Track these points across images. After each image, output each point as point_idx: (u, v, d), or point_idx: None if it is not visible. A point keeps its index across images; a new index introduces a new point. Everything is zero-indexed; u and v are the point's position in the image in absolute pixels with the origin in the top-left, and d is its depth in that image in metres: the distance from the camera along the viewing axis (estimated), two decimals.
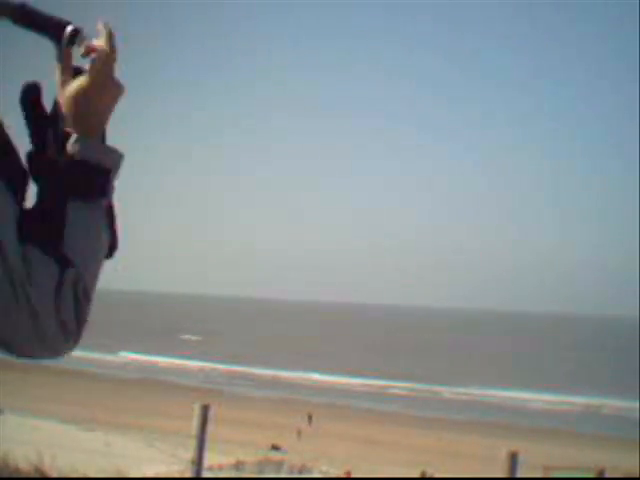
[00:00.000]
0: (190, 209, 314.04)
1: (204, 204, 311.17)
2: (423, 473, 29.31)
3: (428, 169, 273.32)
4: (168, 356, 77.27)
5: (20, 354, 1.30)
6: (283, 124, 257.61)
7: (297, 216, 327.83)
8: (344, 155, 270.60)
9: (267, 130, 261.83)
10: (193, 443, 7.83)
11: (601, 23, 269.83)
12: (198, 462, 7.89)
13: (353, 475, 27.65)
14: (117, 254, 1.41)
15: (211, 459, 20.99)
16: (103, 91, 1.34)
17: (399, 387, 64.83)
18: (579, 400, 59.44)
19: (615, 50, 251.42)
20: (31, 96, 1.34)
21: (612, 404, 57.71)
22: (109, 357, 73.54)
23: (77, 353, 1.46)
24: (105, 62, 1.34)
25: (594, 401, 59.06)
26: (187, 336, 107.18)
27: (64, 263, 1.27)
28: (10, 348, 1.28)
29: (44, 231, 1.28)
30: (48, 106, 1.36)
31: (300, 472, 29.30)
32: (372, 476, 27.46)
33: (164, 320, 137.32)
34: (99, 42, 1.35)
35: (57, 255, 1.27)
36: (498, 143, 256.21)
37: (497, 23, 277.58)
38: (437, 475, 29.13)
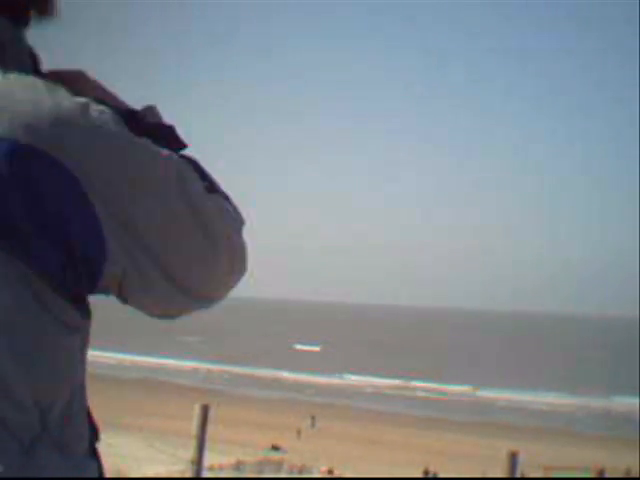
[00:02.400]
0: None
1: None
2: (426, 471, 29.40)
3: (428, 169, 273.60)
4: (161, 357, 77.23)
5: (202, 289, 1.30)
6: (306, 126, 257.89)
7: (292, 215, 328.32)
8: (345, 151, 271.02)
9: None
10: (193, 443, 7.83)
11: (601, 23, 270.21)
12: (198, 462, 7.89)
13: (351, 475, 27.68)
14: None
15: (211, 459, 21.01)
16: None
17: (399, 387, 64.83)
18: (579, 400, 59.43)
19: (616, 49, 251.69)
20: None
21: (612, 404, 57.72)
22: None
23: None
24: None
25: (594, 401, 59.04)
26: (185, 337, 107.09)
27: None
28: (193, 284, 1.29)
29: None
30: None
31: (300, 472, 29.32)
32: (372, 476, 27.47)
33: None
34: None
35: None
36: (499, 142, 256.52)
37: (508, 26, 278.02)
38: (439, 473, 29.19)
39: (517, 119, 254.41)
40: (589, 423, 48.89)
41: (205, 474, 9.10)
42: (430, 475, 29.34)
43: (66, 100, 1.24)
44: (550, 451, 34.19)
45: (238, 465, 28.69)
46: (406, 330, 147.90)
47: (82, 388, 1.34)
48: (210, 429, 7.94)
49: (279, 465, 29.80)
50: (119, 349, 78.68)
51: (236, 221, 1.35)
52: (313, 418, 41.62)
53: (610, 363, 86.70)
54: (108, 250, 1.24)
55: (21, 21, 1.36)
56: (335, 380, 67.72)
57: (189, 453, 7.90)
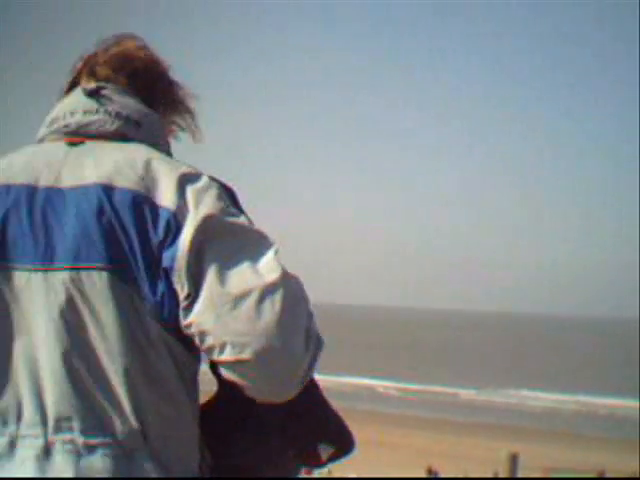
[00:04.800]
0: None
1: None
2: (429, 470, 29.45)
3: (431, 169, 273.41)
4: None
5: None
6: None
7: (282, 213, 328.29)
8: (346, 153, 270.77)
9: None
10: None
11: (603, 19, 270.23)
12: None
13: (352, 475, 27.67)
14: None
15: None
16: None
17: (398, 388, 64.83)
18: (579, 401, 59.45)
19: (617, 47, 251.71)
20: None
21: (613, 405, 57.71)
22: None
23: None
24: None
25: (594, 402, 59.05)
26: None
27: None
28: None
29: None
30: None
31: (300, 473, 29.30)
32: (373, 476, 27.47)
33: None
34: None
35: None
36: (500, 142, 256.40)
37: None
38: (439, 474, 29.23)
39: (518, 118, 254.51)
40: (589, 424, 48.84)
41: None
42: (432, 475, 29.37)
43: (184, 167, 1.72)
44: (550, 452, 34.19)
45: None
46: (406, 331, 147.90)
47: (188, 416, 1.74)
48: None
49: None
50: None
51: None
52: None
53: (610, 363, 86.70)
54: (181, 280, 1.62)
55: (154, 106, 1.88)
56: (333, 382, 67.71)
57: None
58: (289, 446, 1.80)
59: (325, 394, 1.96)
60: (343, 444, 1.75)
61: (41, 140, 1.82)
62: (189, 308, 1.60)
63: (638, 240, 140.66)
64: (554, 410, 56.29)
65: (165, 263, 1.60)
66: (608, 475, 28.23)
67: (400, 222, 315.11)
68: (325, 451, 1.75)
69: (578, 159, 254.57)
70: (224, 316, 1.57)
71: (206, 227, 1.61)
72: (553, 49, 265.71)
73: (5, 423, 1.64)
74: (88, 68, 1.87)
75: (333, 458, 1.76)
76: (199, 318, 1.59)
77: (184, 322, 1.61)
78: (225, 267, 1.59)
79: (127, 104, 1.80)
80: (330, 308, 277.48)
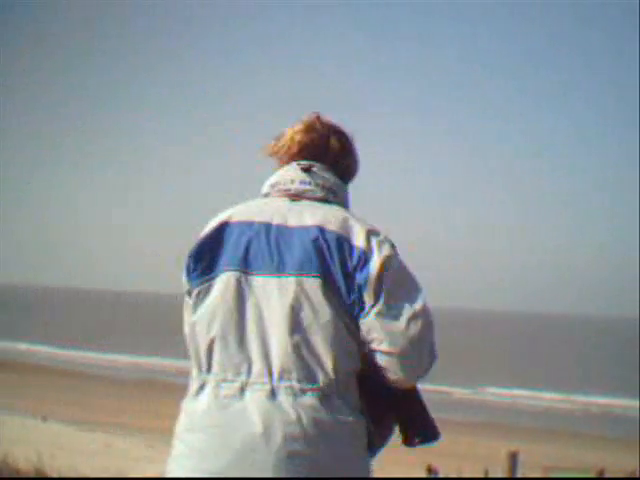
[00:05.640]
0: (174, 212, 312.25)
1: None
2: (429, 469, 29.44)
3: (431, 166, 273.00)
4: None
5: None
6: None
7: None
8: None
9: None
10: None
11: (603, 20, 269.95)
12: None
13: None
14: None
15: None
16: None
17: None
18: (579, 400, 59.40)
19: (617, 46, 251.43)
20: None
21: (612, 404, 57.69)
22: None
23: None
24: None
25: (594, 401, 59.02)
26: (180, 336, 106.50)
27: None
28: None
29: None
30: None
31: None
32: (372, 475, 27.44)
33: (158, 320, 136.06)
34: None
35: None
36: (500, 142, 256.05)
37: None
38: (439, 473, 29.19)
39: (524, 117, 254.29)
40: (589, 423, 48.82)
41: None
42: (432, 474, 29.35)
43: (369, 225, 2.70)
44: (549, 451, 34.19)
45: None
46: None
47: (354, 373, 2.56)
48: None
49: None
50: (119, 350, 78.64)
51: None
52: None
53: (610, 363, 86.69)
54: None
55: (343, 176, 2.86)
56: None
57: None
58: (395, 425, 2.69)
59: None
60: (429, 434, 2.66)
61: (266, 195, 2.76)
62: (369, 312, 2.52)
63: (638, 238, 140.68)
64: (552, 409, 56.26)
65: (359, 281, 2.54)
66: (608, 474, 28.26)
67: (397, 221, 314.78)
68: (416, 437, 2.66)
69: (577, 158, 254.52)
70: (387, 323, 2.52)
71: (386, 264, 2.58)
72: (552, 48, 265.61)
73: (238, 374, 2.52)
74: (302, 150, 2.83)
75: (421, 443, 2.67)
76: (372, 320, 2.52)
77: (363, 320, 2.53)
78: (393, 293, 2.55)
79: (328, 179, 2.79)
80: None
